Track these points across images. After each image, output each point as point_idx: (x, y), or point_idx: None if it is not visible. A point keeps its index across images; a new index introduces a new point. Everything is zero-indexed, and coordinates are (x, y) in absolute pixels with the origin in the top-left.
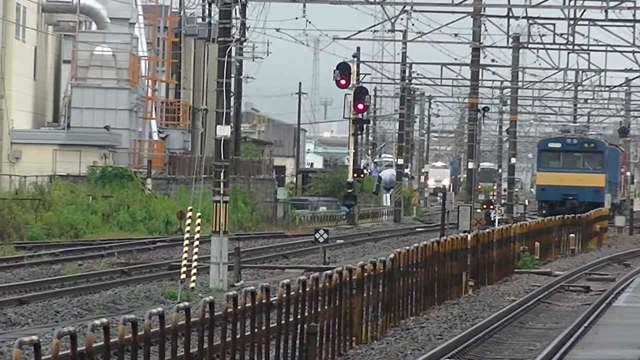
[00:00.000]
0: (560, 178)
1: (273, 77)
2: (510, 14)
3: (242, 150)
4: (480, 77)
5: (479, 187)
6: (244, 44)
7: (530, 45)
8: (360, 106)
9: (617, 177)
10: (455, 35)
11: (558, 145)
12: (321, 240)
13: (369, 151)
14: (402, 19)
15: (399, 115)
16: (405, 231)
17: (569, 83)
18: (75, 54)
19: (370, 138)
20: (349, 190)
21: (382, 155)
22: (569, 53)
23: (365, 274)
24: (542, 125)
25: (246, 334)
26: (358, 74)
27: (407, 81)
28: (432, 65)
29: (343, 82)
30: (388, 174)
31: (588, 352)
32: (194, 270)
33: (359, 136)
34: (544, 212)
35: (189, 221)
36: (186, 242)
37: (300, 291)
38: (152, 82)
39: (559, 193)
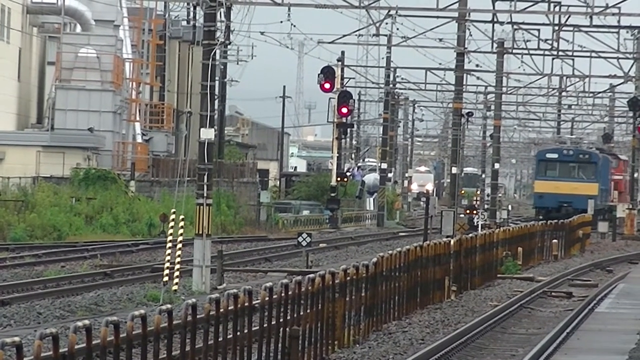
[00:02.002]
0: (556, 186)
1: (257, 80)
2: (495, 20)
3: (226, 154)
4: (464, 82)
5: (463, 192)
6: (229, 47)
7: (514, 51)
8: (344, 110)
9: (607, 184)
10: (440, 40)
11: (555, 155)
12: (304, 243)
13: (353, 155)
14: (386, 24)
15: (382, 120)
16: (388, 235)
17: (553, 89)
18: (60, 56)
19: (354, 142)
20: (332, 194)
21: (366, 160)
22: (553, 59)
23: (348, 278)
24: (526, 131)
25: (228, 337)
26: (342, 78)
27: (391, 85)
28: (416, 69)
29: (327, 86)
30: (371, 178)
31: (570, 358)
32: (177, 273)
33: (343, 140)
34: (540, 217)
35: (172, 224)
36: (169, 244)
37: (282, 294)
38: (136, 85)
39: (555, 200)
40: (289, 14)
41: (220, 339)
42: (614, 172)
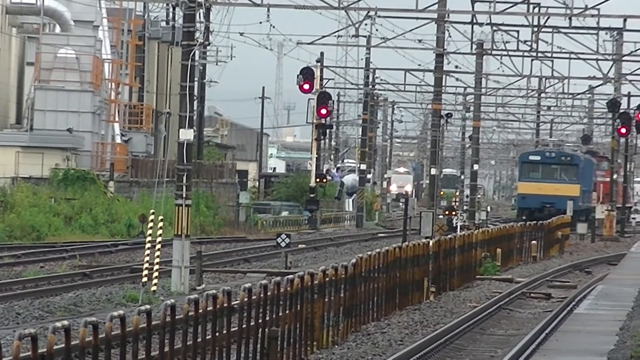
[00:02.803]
0: (539, 187)
1: (236, 81)
2: (474, 21)
3: (205, 154)
4: (443, 84)
5: (442, 193)
6: (208, 47)
7: (493, 52)
8: (324, 111)
9: (590, 185)
10: (419, 41)
11: (538, 157)
12: (283, 244)
13: (332, 156)
14: (366, 24)
15: (362, 121)
16: (367, 236)
17: (533, 90)
18: (39, 56)
19: (333, 143)
20: (312, 195)
21: (345, 161)
22: (532, 60)
23: (327, 279)
24: (505, 132)
25: (207, 337)
26: (321, 79)
27: (370, 86)
28: (395, 71)
29: (306, 86)
30: (350, 179)
31: (549, 359)
32: (156, 274)
33: (322, 141)
34: (523, 217)
35: (151, 224)
36: (148, 245)
37: (261, 295)
38: (115, 85)
39: (537, 201)
40: (268, 15)
41: (199, 339)
42: (605, 174)
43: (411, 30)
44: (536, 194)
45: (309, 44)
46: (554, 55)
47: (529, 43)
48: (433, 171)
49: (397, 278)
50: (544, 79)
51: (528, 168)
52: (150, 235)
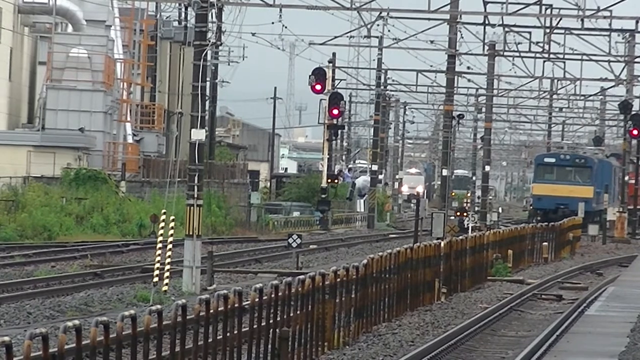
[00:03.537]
0: (553, 189)
1: (248, 81)
2: (486, 22)
3: (217, 155)
4: (455, 85)
5: (453, 194)
6: (220, 47)
7: (505, 53)
8: (335, 112)
9: (604, 188)
10: (431, 42)
11: (552, 160)
12: (294, 245)
13: (344, 157)
14: (378, 25)
15: (373, 122)
16: (379, 237)
17: (544, 91)
18: (51, 56)
19: (345, 144)
20: (323, 196)
21: (357, 161)
22: (544, 61)
23: (338, 280)
24: (516, 134)
25: (218, 337)
26: (333, 80)
27: (382, 87)
28: (407, 71)
29: (318, 87)
30: (362, 180)
31: None
32: (167, 274)
33: (334, 142)
34: (538, 218)
35: (162, 224)
36: (159, 245)
37: (272, 296)
38: (127, 85)
39: (552, 202)
40: (280, 15)
41: (210, 339)
42: (630, 176)
43: (423, 31)
44: (551, 195)
45: (321, 44)
46: (566, 56)
47: (541, 44)
48: (445, 172)
49: (408, 279)
50: (555, 81)
51: (543, 170)
52: (161, 235)
